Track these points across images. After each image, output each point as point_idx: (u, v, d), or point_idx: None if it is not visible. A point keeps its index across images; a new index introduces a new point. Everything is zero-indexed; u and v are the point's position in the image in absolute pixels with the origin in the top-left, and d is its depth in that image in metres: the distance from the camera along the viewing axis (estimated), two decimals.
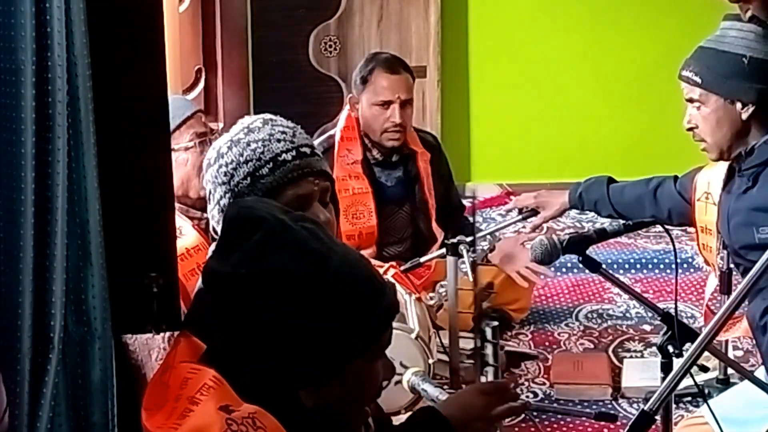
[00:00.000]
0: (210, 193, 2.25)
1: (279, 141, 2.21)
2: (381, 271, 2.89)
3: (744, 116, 2.73)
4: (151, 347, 2.41)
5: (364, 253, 3.76)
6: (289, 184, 2.18)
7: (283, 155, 2.19)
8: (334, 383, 1.61)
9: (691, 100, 2.80)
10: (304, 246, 1.60)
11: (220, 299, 1.62)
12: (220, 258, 1.63)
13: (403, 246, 3.97)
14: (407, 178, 3.94)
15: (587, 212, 5.40)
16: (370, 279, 1.65)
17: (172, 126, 2.91)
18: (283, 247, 1.59)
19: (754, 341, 2.86)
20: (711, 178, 2.95)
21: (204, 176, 2.28)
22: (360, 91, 3.86)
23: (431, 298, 3.30)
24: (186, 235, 2.84)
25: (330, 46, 5.65)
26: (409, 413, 2.61)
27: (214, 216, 2.25)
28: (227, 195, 2.19)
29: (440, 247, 3.81)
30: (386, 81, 3.82)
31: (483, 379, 2.68)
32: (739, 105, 2.73)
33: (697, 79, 2.78)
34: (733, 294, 1.93)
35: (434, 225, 3.94)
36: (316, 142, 3.79)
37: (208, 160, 2.26)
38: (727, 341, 3.44)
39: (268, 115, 2.30)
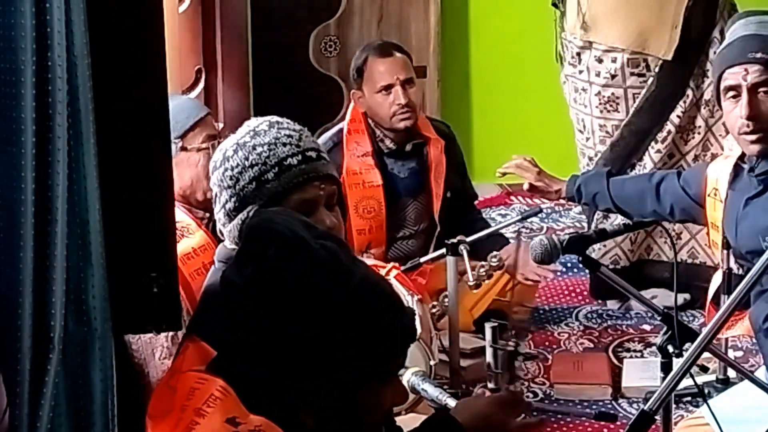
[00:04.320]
0: (216, 195, 2.24)
1: (285, 145, 2.19)
2: (383, 272, 2.88)
3: None
4: (154, 347, 2.42)
5: (373, 252, 3.76)
6: (294, 189, 2.16)
7: (289, 160, 2.17)
8: (336, 406, 1.59)
9: (758, 85, 2.70)
10: (318, 265, 1.58)
11: (233, 308, 1.61)
12: (236, 268, 1.63)
13: (417, 242, 3.93)
14: (421, 168, 3.91)
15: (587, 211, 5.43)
16: (387, 304, 1.62)
17: (187, 126, 2.94)
18: (296, 263, 1.57)
19: (756, 342, 2.86)
20: (719, 174, 2.91)
21: (210, 178, 2.28)
22: (359, 84, 3.83)
23: (433, 307, 3.29)
24: (193, 234, 2.85)
25: (330, 46, 5.65)
26: (412, 414, 2.61)
27: (220, 219, 2.25)
28: (233, 199, 2.18)
29: (437, 244, 3.81)
30: (382, 65, 3.78)
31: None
32: None
33: None
34: (733, 294, 1.93)
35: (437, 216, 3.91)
36: (322, 139, 3.79)
37: (214, 163, 2.25)
38: (726, 340, 3.45)
39: (274, 118, 2.28)
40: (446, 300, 3.28)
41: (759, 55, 2.71)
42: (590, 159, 4.29)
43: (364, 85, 3.81)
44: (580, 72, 4.22)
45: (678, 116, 4.09)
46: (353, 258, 1.64)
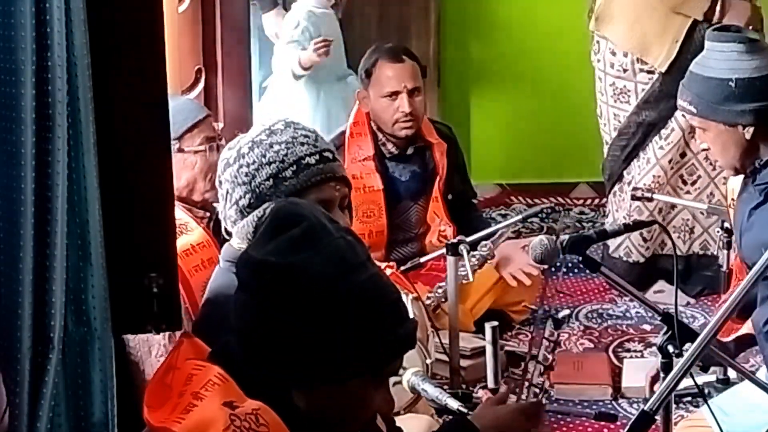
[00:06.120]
0: (227, 193, 2.24)
1: (302, 144, 2.21)
2: None
3: (747, 136, 2.69)
4: (151, 344, 2.42)
5: (373, 256, 3.77)
6: (312, 187, 2.19)
7: (307, 158, 2.20)
8: (326, 393, 1.61)
9: (691, 128, 2.78)
10: (336, 252, 1.60)
11: (246, 284, 1.63)
12: (257, 245, 1.65)
13: (417, 244, 3.94)
14: (423, 171, 3.92)
15: (587, 212, 5.45)
16: (392, 306, 1.64)
17: (185, 127, 2.94)
18: (315, 246, 1.60)
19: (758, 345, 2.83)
20: (735, 185, 2.92)
21: (220, 176, 2.28)
22: (366, 85, 3.84)
23: (428, 299, 3.29)
24: (192, 231, 2.85)
25: None
26: (411, 414, 2.61)
27: (230, 216, 2.25)
28: (247, 196, 2.20)
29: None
30: (391, 71, 3.79)
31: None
32: (740, 127, 2.69)
33: (692, 109, 2.75)
34: (732, 295, 1.93)
35: (436, 216, 3.91)
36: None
37: (226, 160, 2.26)
38: None
39: (288, 118, 2.31)
40: (440, 291, 3.26)
41: (685, 105, 2.78)
42: (606, 143, 4.45)
43: (371, 87, 3.82)
44: (599, 60, 4.35)
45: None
46: (368, 256, 1.66)
